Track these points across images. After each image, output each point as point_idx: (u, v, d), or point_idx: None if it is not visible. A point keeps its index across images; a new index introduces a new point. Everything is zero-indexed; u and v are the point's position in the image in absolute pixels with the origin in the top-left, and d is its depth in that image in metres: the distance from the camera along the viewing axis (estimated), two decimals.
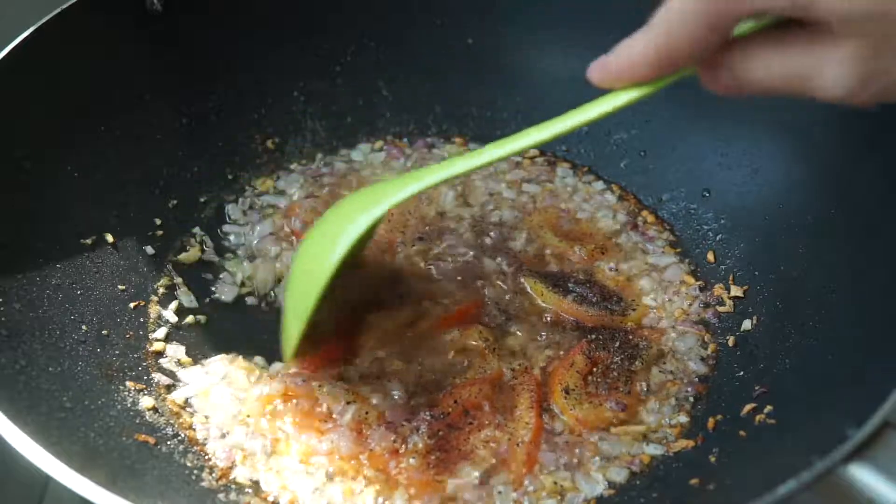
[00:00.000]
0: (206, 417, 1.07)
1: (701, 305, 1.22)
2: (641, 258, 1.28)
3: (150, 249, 1.23)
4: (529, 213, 1.33)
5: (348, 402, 1.06)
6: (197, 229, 1.29)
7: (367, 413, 1.05)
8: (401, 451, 1.03)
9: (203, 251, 1.27)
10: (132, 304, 1.17)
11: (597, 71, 0.77)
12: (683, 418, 1.09)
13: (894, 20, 0.66)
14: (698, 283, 1.24)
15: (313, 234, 1.05)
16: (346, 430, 1.03)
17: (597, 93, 0.83)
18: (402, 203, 0.97)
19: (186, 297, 1.20)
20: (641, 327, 1.18)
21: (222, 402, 1.08)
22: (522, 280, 1.23)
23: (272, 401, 1.07)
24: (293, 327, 1.05)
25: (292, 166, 1.40)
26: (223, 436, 1.05)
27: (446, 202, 1.34)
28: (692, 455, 1.04)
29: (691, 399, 1.11)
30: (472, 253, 1.26)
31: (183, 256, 1.25)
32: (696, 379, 1.13)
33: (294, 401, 1.07)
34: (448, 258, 1.25)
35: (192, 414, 1.07)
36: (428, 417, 1.05)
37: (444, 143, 1.45)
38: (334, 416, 1.05)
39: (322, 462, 1.02)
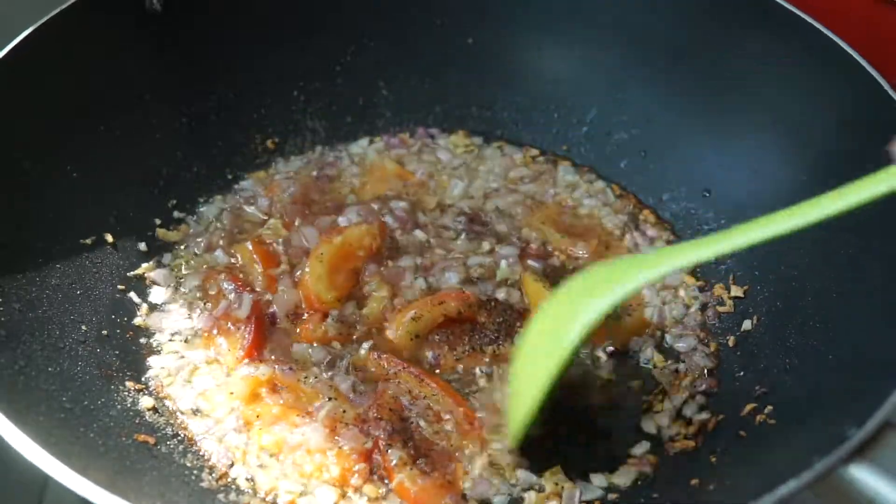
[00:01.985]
0: (190, 386, 1.09)
1: (701, 305, 1.22)
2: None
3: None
4: (530, 209, 1.33)
5: (330, 399, 1.06)
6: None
7: (343, 412, 1.05)
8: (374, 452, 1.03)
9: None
10: (132, 304, 1.17)
11: None
12: (704, 415, 1.09)
13: None
14: (699, 283, 1.25)
15: (545, 313, 0.97)
16: (319, 426, 1.04)
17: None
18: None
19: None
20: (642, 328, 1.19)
21: (209, 376, 1.10)
22: (520, 278, 1.23)
23: (258, 386, 1.08)
24: (521, 410, 0.96)
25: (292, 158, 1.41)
26: (208, 419, 1.06)
27: (454, 192, 1.34)
28: (692, 455, 1.04)
29: (705, 393, 1.12)
30: (468, 246, 1.26)
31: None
32: (706, 373, 1.14)
33: (278, 389, 1.08)
34: (445, 253, 1.26)
35: (182, 406, 1.08)
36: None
37: (446, 134, 1.46)
38: (311, 410, 1.06)
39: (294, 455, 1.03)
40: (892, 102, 1.05)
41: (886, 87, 1.06)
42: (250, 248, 1.22)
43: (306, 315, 1.16)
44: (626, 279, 0.88)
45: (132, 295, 1.17)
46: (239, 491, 0.99)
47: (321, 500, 0.99)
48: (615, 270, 0.91)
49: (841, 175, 1.12)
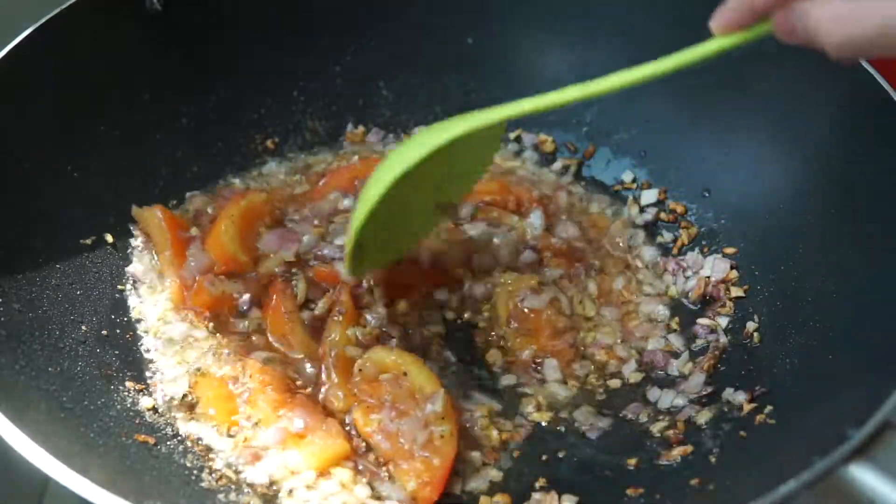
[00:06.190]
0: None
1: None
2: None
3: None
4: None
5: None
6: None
7: None
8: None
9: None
10: (132, 305, 1.17)
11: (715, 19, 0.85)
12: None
13: None
14: None
15: (398, 148, 1.03)
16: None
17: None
18: None
19: None
20: None
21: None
22: None
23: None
24: (349, 240, 1.03)
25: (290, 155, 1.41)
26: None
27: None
28: (692, 455, 1.04)
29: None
30: None
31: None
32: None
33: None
34: None
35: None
36: None
37: None
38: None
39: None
40: (893, 102, 1.05)
41: (886, 86, 1.06)
42: (159, 214, 1.20)
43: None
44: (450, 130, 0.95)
45: (131, 296, 1.17)
46: (239, 491, 0.99)
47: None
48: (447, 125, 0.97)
49: (841, 175, 1.13)
